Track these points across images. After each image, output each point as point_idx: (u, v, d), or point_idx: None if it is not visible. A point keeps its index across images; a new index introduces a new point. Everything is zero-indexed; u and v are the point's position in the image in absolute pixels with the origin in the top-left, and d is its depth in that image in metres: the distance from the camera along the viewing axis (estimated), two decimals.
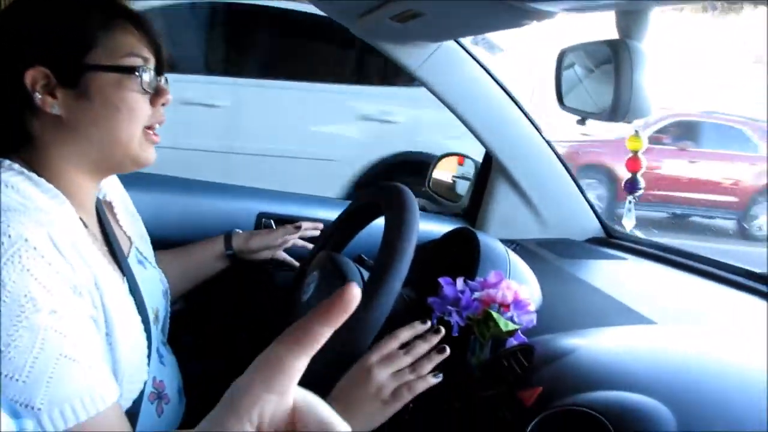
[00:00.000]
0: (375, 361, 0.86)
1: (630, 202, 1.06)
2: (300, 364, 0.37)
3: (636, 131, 0.94)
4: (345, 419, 0.40)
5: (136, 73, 0.83)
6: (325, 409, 0.39)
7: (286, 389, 0.37)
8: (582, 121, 0.95)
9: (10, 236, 0.69)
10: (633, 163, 0.99)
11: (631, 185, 1.02)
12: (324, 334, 0.37)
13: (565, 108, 1.01)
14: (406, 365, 0.87)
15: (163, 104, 0.89)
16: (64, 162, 0.84)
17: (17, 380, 0.66)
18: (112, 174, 0.97)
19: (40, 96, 0.79)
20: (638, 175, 1.00)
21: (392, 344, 0.88)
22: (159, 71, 0.89)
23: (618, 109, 0.84)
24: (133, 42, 0.84)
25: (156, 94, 0.88)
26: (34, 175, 0.80)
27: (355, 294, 0.37)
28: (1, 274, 0.67)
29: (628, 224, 1.17)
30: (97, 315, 0.78)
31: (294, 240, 1.39)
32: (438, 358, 0.89)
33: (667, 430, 0.69)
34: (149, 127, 0.88)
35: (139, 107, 0.85)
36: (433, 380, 0.88)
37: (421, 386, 0.86)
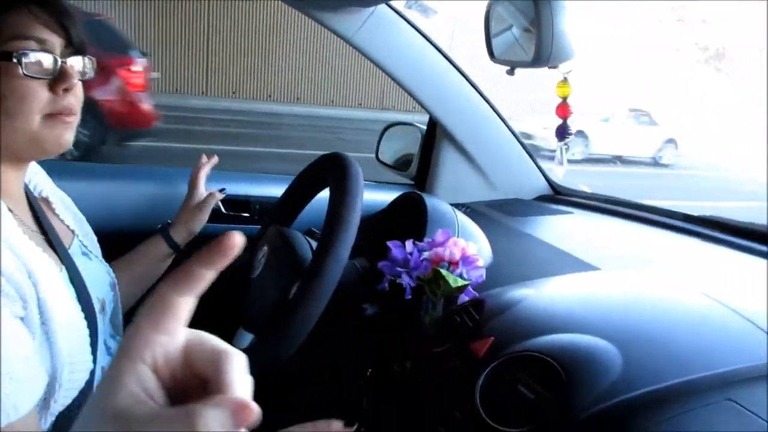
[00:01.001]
0: None
1: (560, 148, 1.08)
2: (185, 304, 0.37)
3: (565, 77, 0.95)
4: None
5: (14, 59, 0.77)
6: (216, 340, 0.38)
7: (175, 328, 0.37)
8: (511, 71, 0.97)
9: None
10: (562, 110, 1.01)
11: (562, 131, 1.04)
12: (205, 277, 0.37)
13: (496, 60, 1.02)
14: None
15: (65, 90, 0.82)
16: None
17: None
18: (28, 162, 0.91)
19: None
20: (568, 121, 1.02)
21: None
22: (74, 53, 0.84)
23: (541, 55, 0.86)
24: (26, 23, 0.78)
25: (57, 79, 0.81)
26: None
27: (236, 240, 0.37)
28: None
29: (560, 170, 1.19)
30: (29, 309, 0.75)
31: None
32: None
33: (614, 367, 0.72)
34: (54, 114, 0.83)
35: (32, 94, 0.79)
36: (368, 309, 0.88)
37: None
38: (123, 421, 0.34)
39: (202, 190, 1.34)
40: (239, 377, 0.37)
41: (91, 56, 0.88)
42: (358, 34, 1.40)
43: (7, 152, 0.83)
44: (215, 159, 1.38)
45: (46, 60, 0.80)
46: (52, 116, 0.82)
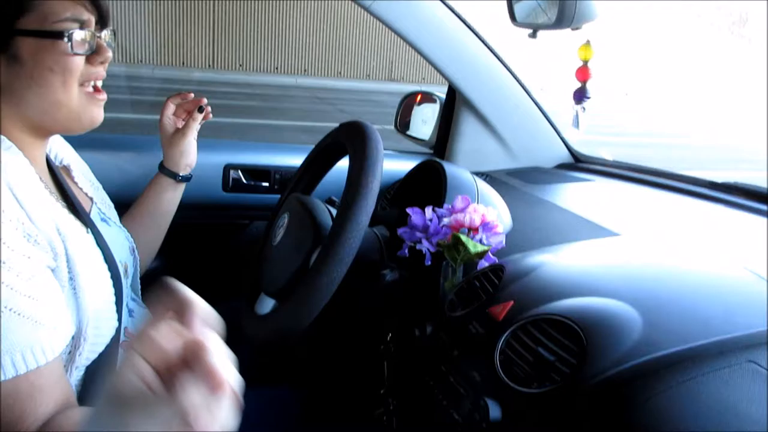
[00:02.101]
0: None
1: (578, 112, 1.07)
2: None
3: (587, 41, 0.94)
4: None
5: (65, 38, 0.82)
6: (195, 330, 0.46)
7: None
8: (534, 34, 0.95)
9: None
10: (582, 73, 0.99)
11: (580, 94, 1.02)
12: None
13: (518, 24, 1.01)
14: None
15: (101, 62, 0.88)
16: (8, 123, 0.84)
17: None
18: (55, 134, 0.97)
19: None
20: (587, 85, 1.00)
21: None
22: (102, 28, 0.89)
23: (564, 16, 0.84)
24: (69, 5, 0.83)
25: (95, 53, 0.87)
26: None
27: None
28: None
29: (576, 134, 1.18)
30: (59, 262, 0.79)
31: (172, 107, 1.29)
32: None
33: (635, 329, 0.72)
34: (91, 90, 0.89)
35: (73, 68, 0.85)
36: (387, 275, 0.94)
37: None
38: (123, 404, 0.43)
39: (167, 121, 1.29)
40: (215, 357, 0.44)
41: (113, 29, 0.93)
42: (377, 3, 1.39)
43: (42, 126, 0.88)
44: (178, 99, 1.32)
45: (87, 36, 0.85)
46: (90, 92, 0.88)
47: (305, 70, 13.58)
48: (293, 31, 13.25)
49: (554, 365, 0.71)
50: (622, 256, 0.97)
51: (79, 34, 0.84)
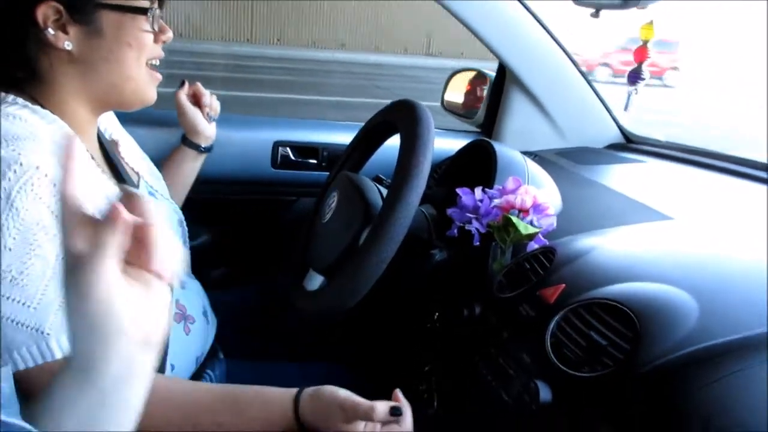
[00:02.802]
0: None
1: (630, 93, 1.04)
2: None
3: (650, 20, 0.91)
4: None
5: (149, 14, 0.85)
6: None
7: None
8: (596, 14, 0.93)
9: (21, 164, 0.70)
10: (640, 53, 0.96)
11: (635, 75, 0.99)
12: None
13: (580, 3, 0.98)
14: None
15: (164, 41, 0.91)
16: (69, 97, 0.85)
17: (29, 306, 0.69)
18: (112, 110, 1.00)
19: (52, 32, 0.79)
20: (643, 66, 0.97)
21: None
22: (161, 6, 0.91)
23: None
24: None
25: (159, 32, 0.90)
26: (38, 108, 0.81)
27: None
28: (15, 202, 0.69)
29: (626, 116, 1.15)
30: None
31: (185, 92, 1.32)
32: None
33: (690, 316, 0.71)
34: (153, 67, 0.91)
35: (147, 44, 0.87)
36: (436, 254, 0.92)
37: None
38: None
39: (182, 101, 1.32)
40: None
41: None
42: None
43: (105, 100, 0.89)
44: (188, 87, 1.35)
45: (156, 15, 0.88)
46: (152, 69, 0.91)
47: (343, 45, 13.53)
48: (331, 5, 13.18)
49: (606, 350, 0.71)
50: (676, 240, 0.95)
51: (157, 12, 0.87)
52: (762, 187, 1.25)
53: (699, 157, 1.47)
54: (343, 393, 0.83)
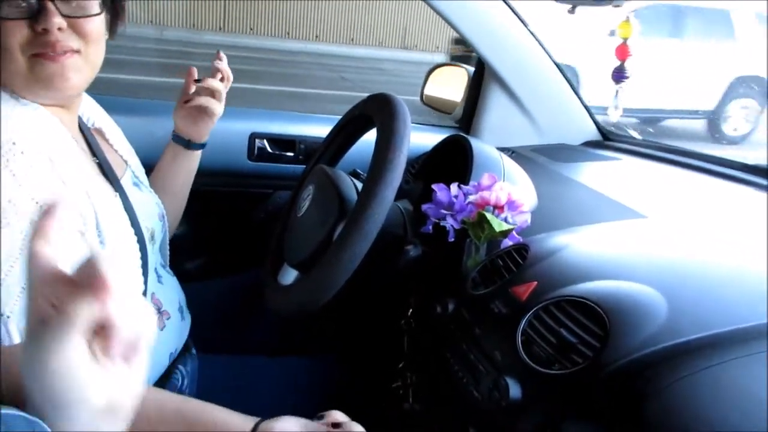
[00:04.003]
0: None
1: (616, 91, 1.05)
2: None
3: (627, 17, 0.91)
4: None
5: None
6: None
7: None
8: (572, 10, 0.93)
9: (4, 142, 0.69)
10: (622, 51, 0.97)
11: (619, 73, 1.00)
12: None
13: None
14: None
15: (44, 29, 0.79)
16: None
17: None
18: (60, 101, 0.88)
19: None
20: (626, 64, 0.98)
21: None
22: None
23: None
24: None
25: (35, 19, 0.79)
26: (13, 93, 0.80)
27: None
28: None
29: (615, 114, 1.15)
30: (87, 226, 0.79)
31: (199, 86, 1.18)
32: None
33: (660, 313, 0.71)
34: (38, 54, 0.81)
35: (10, 34, 0.78)
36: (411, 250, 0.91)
37: None
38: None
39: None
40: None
41: None
42: None
43: (23, 93, 0.83)
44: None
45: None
46: (37, 56, 0.80)
47: (317, 36, 13.40)
48: None
49: (576, 347, 0.71)
50: (648, 239, 0.96)
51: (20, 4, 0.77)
52: (736, 186, 1.27)
53: (674, 155, 1.48)
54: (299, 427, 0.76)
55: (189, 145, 1.21)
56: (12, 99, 0.78)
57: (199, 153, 1.25)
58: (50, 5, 0.79)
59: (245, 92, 7.75)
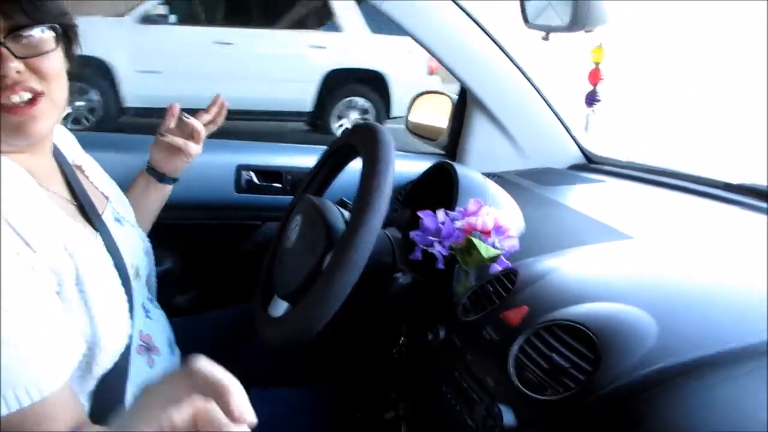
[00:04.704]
0: None
1: (588, 115, 1.06)
2: None
3: (599, 43, 0.93)
4: None
5: None
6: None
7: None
8: (546, 37, 0.95)
9: None
10: (594, 75, 0.99)
11: (591, 97, 1.02)
12: None
13: (530, 26, 1.00)
14: None
15: (2, 76, 0.76)
16: None
17: None
18: (29, 146, 0.85)
19: None
20: (597, 88, 0.99)
21: None
22: (11, 28, 0.77)
23: (577, 19, 0.84)
24: None
25: None
26: None
27: None
28: None
29: (587, 137, 1.17)
30: (65, 281, 0.77)
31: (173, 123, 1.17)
32: None
33: (650, 335, 0.71)
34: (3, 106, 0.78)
35: None
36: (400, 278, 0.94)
37: None
38: None
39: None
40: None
41: (55, 24, 0.81)
42: (387, 2, 1.39)
43: None
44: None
45: None
46: (6, 107, 0.78)
47: None
48: None
49: (568, 372, 0.71)
50: (636, 260, 0.96)
51: None
52: (719, 205, 1.28)
53: (658, 176, 1.50)
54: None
55: (162, 178, 1.21)
56: None
57: (170, 187, 1.24)
58: (2, 49, 0.76)
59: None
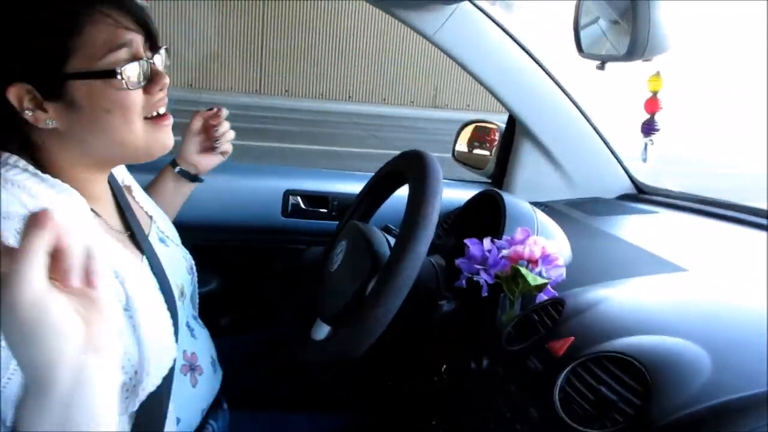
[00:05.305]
0: None
1: (646, 144, 1.04)
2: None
3: (657, 71, 0.92)
4: None
5: (118, 76, 0.77)
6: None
7: None
8: (602, 66, 0.94)
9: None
10: (651, 104, 0.97)
11: (648, 127, 1.00)
12: None
13: (585, 55, 0.99)
14: None
15: (160, 90, 0.83)
16: (68, 164, 0.82)
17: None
18: (124, 164, 0.95)
19: (30, 112, 0.75)
20: (655, 117, 0.98)
21: None
22: (153, 50, 0.83)
23: (636, 48, 0.82)
24: (113, 32, 0.77)
25: (150, 82, 0.82)
26: (39, 172, 0.78)
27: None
28: None
29: (644, 168, 1.14)
30: (116, 307, 0.77)
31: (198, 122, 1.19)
32: None
33: (703, 370, 0.69)
34: (153, 117, 0.84)
35: (132, 104, 0.80)
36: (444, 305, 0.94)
37: None
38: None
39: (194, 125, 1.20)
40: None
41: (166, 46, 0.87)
42: (440, 32, 1.41)
43: (107, 162, 0.87)
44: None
45: (140, 67, 0.80)
46: (152, 119, 0.84)
47: (350, 97, 13.72)
48: (338, 58, 13.44)
49: (617, 405, 0.68)
50: (689, 292, 0.93)
51: (131, 68, 0.78)
52: None
53: (712, 207, 1.46)
54: None
55: (194, 178, 1.22)
56: (39, 183, 0.77)
57: (192, 186, 1.24)
58: (156, 66, 0.83)
59: (283, 151, 7.97)
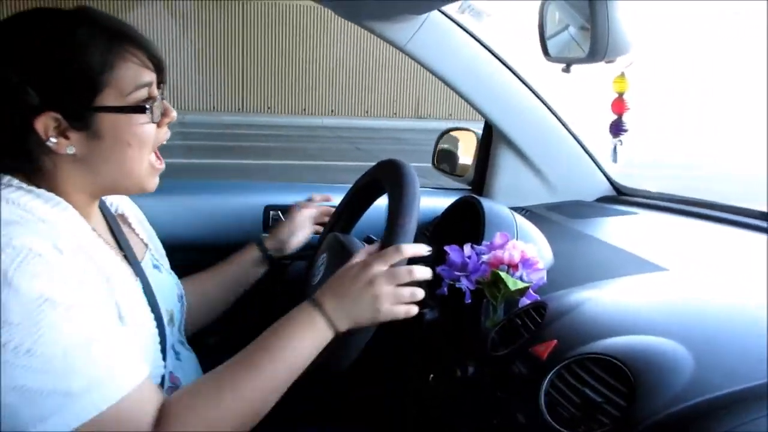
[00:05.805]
0: (379, 269, 0.88)
1: (615, 145, 1.05)
2: None
3: (622, 72, 0.93)
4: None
5: (148, 110, 0.83)
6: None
7: None
8: (567, 69, 0.95)
9: (14, 247, 0.70)
10: (618, 105, 0.98)
11: (616, 127, 1.01)
12: None
13: (550, 59, 1.00)
14: (404, 282, 0.89)
15: (167, 122, 0.90)
16: (69, 188, 0.85)
17: (53, 372, 0.69)
18: (118, 194, 1.00)
19: (54, 140, 0.79)
20: (623, 117, 0.98)
21: (397, 257, 0.89)
22: (158, 84, 0.88)
23: (597, 50, 0.83)
24: (137, 70, 0.83)
25: (163, 115, 0.88)
26: (34, 188, 0.81)
27: None
28: (13, 282, 0.69)
29: (614, 168, 1.15)
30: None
31: (314, 210, 1.35)
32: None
33: (686, 369, 0.69)
34: (155, 155, 0.90)
35: (148, 138, 0.86)
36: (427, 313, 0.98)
37: (413, 311, 0.90)
38: None
39: (300, 217, 1.34)
40: None
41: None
42: (411, 42, 1.41)
43: (104, 191, 0.91)
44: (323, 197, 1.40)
45: (158, 104, 0.86)
46: (153, 162, 0.90)
47: (332, 111, 13.77)
48: (319, 74, 13.47)
49: (602, 407, 0.68)
50: (670, 291, 0.93)
51: (158, 106, 0.85)
52: (756, 235, 1.24)
53: (691, 207, 1.47)
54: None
55: (280, 260, 1.32)
56: (30, 197, 0.80)
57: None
58: (167, 103, 0.89)
59: (267, 167, 8.00)
